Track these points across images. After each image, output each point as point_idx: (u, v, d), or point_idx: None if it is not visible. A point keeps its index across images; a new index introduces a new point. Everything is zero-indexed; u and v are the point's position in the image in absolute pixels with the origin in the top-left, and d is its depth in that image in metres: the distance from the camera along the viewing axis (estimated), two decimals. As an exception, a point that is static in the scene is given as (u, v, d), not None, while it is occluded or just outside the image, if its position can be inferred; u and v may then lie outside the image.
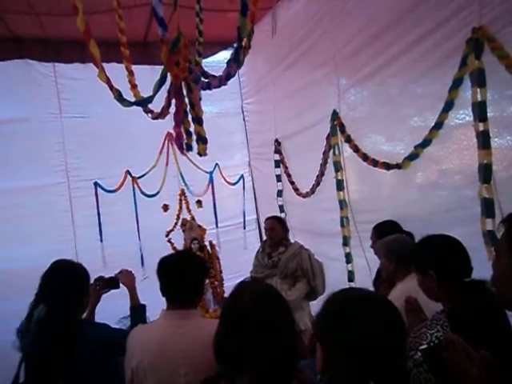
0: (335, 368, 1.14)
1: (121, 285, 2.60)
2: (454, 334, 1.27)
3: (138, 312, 2.49)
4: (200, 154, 2.51)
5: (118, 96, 2.47)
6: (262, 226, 4.69)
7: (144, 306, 2.53)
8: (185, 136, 2.50)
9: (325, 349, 1.18)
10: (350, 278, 3.99)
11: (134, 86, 2.74)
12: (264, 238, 4.29)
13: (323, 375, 1.19)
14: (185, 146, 2.51)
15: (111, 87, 2.41)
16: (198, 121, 2.45)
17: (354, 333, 1.10)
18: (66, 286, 2.12)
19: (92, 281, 2.41)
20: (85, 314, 2.37)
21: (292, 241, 3.99)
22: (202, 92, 2.68)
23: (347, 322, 1.13)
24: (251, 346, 1.29)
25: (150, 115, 2.76)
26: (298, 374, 1.36)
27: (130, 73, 2.77)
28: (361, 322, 1.11)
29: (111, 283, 2.58)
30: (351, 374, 1.10)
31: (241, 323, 1.33)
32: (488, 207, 2.44)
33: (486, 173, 2.45)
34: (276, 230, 3.91)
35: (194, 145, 2.57)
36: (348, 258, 3.98)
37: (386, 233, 2.80)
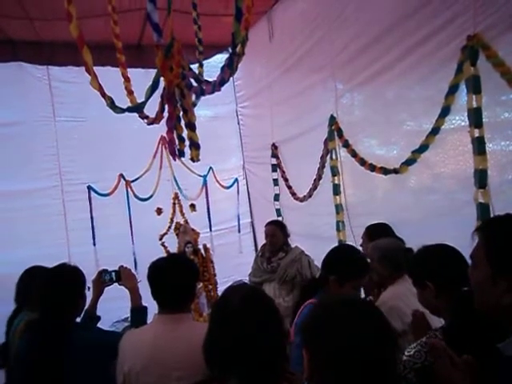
0: (320, 375, 1.13)
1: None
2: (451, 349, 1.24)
3: (138, 314, 2.39)
4: (193, 160, 2.49)
5: (111, 103, 2.45)
6: (257, 229, 4.66)
7: (145, 308, 2.43)
8: (177, 142, 2.49)
9: (310, 355, 1.16)
10: (344, 282, 3.98)
11: (130, 93, 2.72)
12: (259, 241, 4.26)
13: (309, 382, 1.18)
14: (177, 152, 2.50)
15: (103, 95, 2.39)
16: (191, 126, 2.43)
17: (339, 340, 1.08)
18: (61, 290, 2.11)
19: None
20: (87, 306, 2.35)
21: (292, 245, 3.95)
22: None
23: (332, 330, 1.11)
24: (240, 347, 1.29)
25: (145, 121, 2.74)
26: (288, 376, 1.35)
27: (127, 79, 2.74)
28: (346, 329, 1.09)
29: (115, 277, 2.51)
30: (336, 381, 1.08)
31: (230, 325, 1.33)
32: (483, 212, 2.47)
33: (481, 178, 2.48)
34: (277, 237, 3.81)
35: (187, 150, 2.55)
36: (343, 262, 3.96)
37: (379, 235, 2.79)
